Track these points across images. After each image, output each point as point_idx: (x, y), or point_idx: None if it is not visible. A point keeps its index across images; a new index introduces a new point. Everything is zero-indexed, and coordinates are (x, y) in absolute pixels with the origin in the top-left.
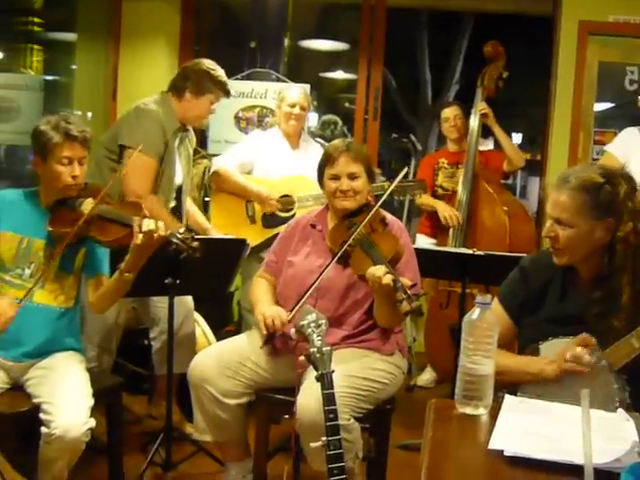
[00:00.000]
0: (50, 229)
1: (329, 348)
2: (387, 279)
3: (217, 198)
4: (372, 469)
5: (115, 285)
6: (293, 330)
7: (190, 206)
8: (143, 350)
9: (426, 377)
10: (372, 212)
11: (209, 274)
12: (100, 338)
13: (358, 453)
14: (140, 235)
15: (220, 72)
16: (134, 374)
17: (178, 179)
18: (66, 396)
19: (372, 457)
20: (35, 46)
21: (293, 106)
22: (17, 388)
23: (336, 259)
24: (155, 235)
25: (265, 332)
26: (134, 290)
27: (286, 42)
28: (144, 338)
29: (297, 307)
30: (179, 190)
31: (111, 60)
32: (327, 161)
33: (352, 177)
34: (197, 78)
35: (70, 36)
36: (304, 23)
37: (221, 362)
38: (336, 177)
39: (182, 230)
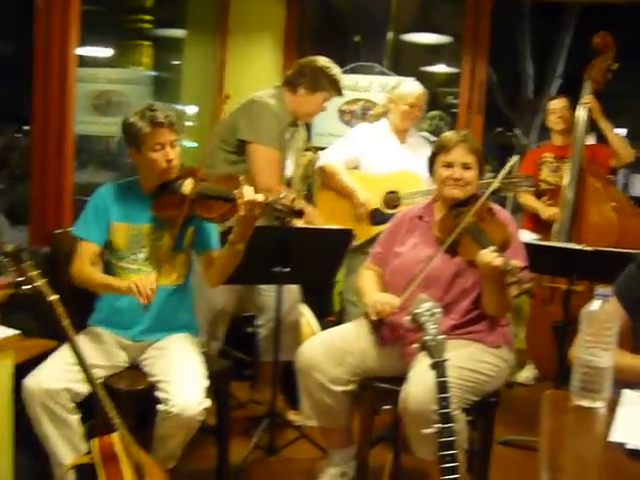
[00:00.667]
0: (156, 214)
1: (443, 336)
2: (498, 261)
3: (323, 194)
4: (473, 462)
5: (227, 257)
6: (408, 318)
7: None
8: (246, 337)
9: (526, 374)
10: (482, 199)
11: (315, 263)
12: (209, 325)
13: (463, 444)
14: (243, 206)
15: (335, 71)
16: (237, 360)
17: (288, 172)
18: (183, 376)
19: (474, 450)
20: (145, 42)
21: (413, 106)
22: (135, 367)
23: (445, 247)
24: (256, 204)
25: (374, 318)
26: (243, 278)
27: (389, 36)
28: (248, 325)
29: (407, 293)
30: (288, 183)
31: (218, 55)
32: (441, 149)
33: (465, 167)
34: (313, 75)
35: (179, 33)
36: (407, 16)
37: (329, 349)
38: (449, 165)
39: (283, 195)
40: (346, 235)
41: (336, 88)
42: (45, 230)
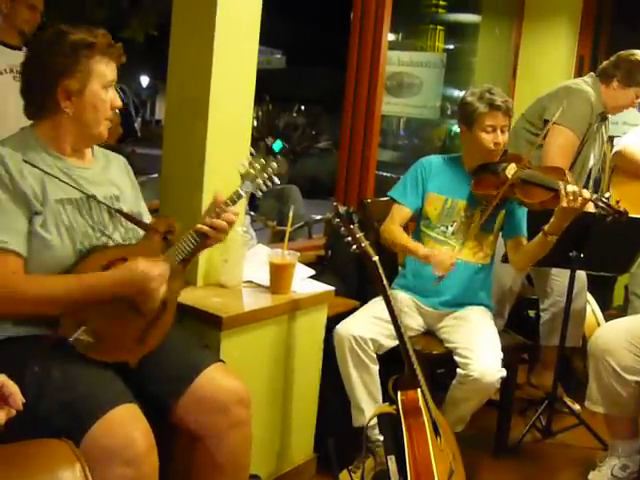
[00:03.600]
0: (475, 192)
1: None
2: None
3: (618, 179)
4: None
5: (538, 246)
6: None
7: None
8: (526, 319)
9: None
10: None
11: (613, 252)
12: (496, 302)
13: None
14: (566, 198)
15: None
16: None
17: (590, 163)
18: (484, 344)
19: None
20: (439, 27)
21: None
22: (429, 333)
23: None
24: (580, 199)
25: None
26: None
27: None
28: (529, 308)
29: None
30: (588, 176)
31: (513, 40)
32: None
33: None
34: (628, 68)
35: (473, 17)
36: None
37: (627, 337)
38: None
39: (608, 195)
40: None
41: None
42: (349, 200)
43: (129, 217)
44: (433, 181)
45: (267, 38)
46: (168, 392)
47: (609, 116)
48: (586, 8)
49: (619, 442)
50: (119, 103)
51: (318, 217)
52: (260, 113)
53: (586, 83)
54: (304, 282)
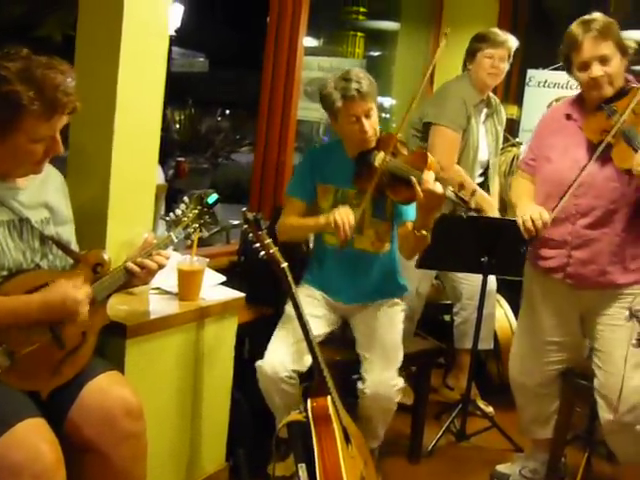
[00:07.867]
0: (354, 185)
1: None
2: None
3: None
4: None
5: (413, 241)
6: (627, 313)
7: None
8: (441, 324)
9: None
10: (637, 97)
11: (524, 257)
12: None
13: None
14: (420, 193)
15: (482, 30)
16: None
17: (483, 155)
18: (381, 353)
19: None
20: (359, 33)
21: None
22: (344, 337)
23: (598, 154)
24: (437, 192)
25: (526, 236)
26: (448, 264)
27: None
28: (443, 313)
29: (558, 208)
30: (486, 168)
31: (431, 48)
32: (572, 48)
33: (603, 60)
34: (467, 48)
35: (392, 25)
36: (625, 11)
37: (530, 361)
38: (585, 65)
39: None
40: None
41: (486, 40)
42: (263, 206)
43: (61, 245)
44: (321, 171)
45: (190, 41)
46: (59, 403)
47: (499, 107)
48: (502, 16)
49: (540, 452)
50: (59, 150)
51: (235, 222)
52: (182, 117)
53: (457, 79)
54: (214, 289)
